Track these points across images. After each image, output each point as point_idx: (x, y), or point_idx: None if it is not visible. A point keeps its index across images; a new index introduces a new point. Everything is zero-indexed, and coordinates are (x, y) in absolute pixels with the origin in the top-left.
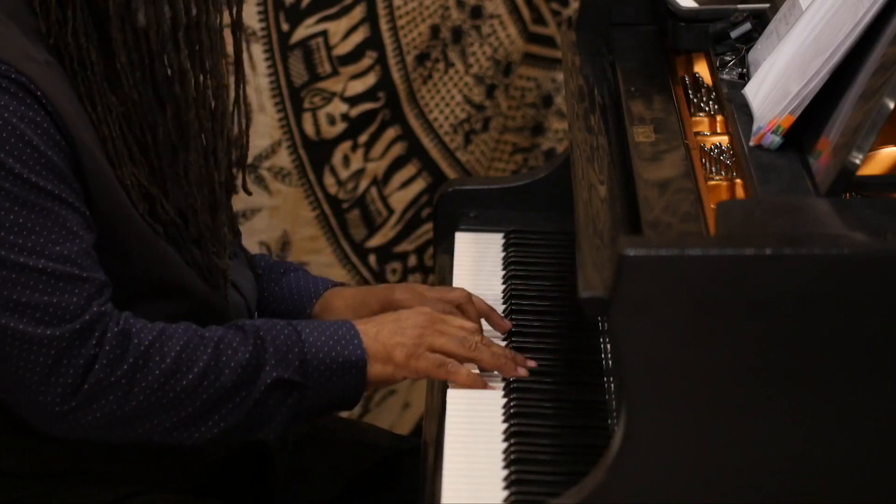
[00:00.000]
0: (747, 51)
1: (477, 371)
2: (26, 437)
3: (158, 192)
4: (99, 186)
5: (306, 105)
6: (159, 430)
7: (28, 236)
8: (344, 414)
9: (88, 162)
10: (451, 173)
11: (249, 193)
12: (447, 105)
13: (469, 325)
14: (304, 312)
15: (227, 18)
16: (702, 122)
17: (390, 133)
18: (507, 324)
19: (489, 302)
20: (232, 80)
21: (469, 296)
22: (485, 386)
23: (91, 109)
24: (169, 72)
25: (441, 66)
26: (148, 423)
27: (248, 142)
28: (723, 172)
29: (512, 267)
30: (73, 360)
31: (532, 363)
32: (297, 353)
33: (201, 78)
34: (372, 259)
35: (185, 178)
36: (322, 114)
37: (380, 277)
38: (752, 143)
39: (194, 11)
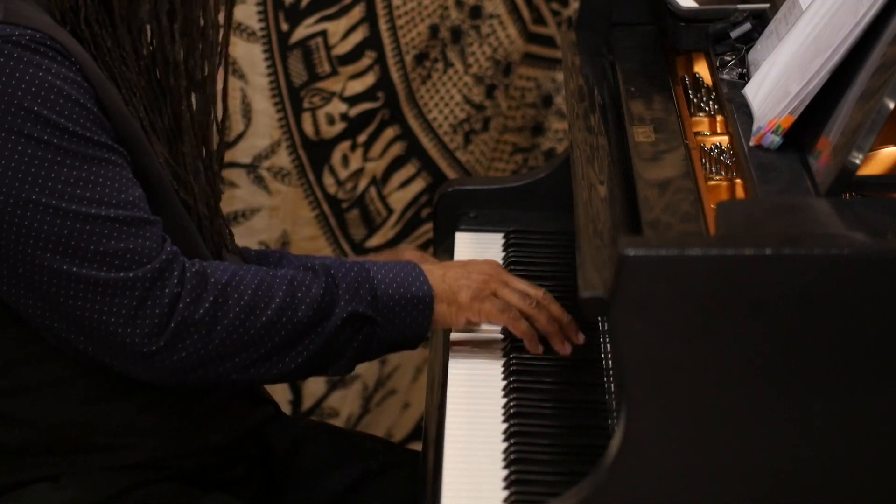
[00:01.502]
0: (747, 51)
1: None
2: (35, 405)
3: (182, 171)
4: (133, 156)
5: (306, 105)
6: (239, 368)
7: (94, 188)
8: (343, 415)
9: (124, 132)
10: (450, 173)
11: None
12: (446, 105)
13: (534, 290)
14: None
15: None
16: (702, 122)
17: (389, 133)
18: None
19: None
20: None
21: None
22: (537, 347)
23: (117, 91)
24: (165, 63)
25: (440, 65)
26: (229, 362)
27: (222, 131)
28: (723, 172)
29: (512, 267)
30: (157, 299)
31: (580, 339)
32: (368, 288)
33: (194, 70)
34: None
35: (183, 167)
36: (321, 114)
37: None
38: (752, 143)
39: (190, 5)
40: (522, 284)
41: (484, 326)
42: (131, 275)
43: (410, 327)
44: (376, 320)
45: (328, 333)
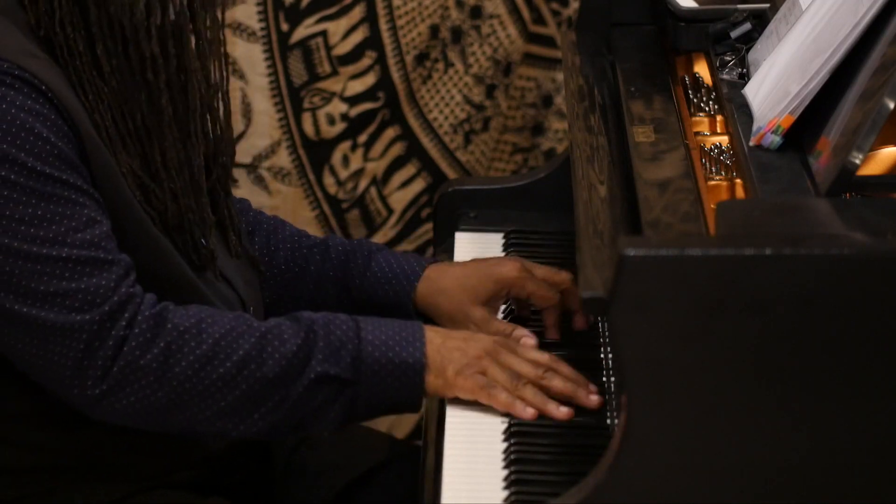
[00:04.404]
0: (747, 51)
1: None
2: (30, 430)
3: (150, 180)
4: (102, 175)
5: (306, 105)
6: (200, 420)
7: (49, 227)
8: None
9: (92, 151)
10: (451, 173)
11: (234, 181)
12: (447, 105)
13: (543, 359)
14: (407, 295)
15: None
16: (702, 122)
17: (390, 133)
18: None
19: None
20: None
21: (572, 281)
22: (523, 411)
23: (84, 98)
24: (141, 58)
25: (440, 65)
26: (187, 412)
27: (229, 132)
28: (723, 172)
29: None
30: (104, 342)
31: (569, 411)
32: (352, 349)
33: (173, 65)
34: None
35: (163, 164)
36: (322, 114)
37: None
38: (752, 143)
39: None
40: (520, 365)
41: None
42: (78, 318)
43: (399, 393)
44: (357, 383)
45: (298, 393)
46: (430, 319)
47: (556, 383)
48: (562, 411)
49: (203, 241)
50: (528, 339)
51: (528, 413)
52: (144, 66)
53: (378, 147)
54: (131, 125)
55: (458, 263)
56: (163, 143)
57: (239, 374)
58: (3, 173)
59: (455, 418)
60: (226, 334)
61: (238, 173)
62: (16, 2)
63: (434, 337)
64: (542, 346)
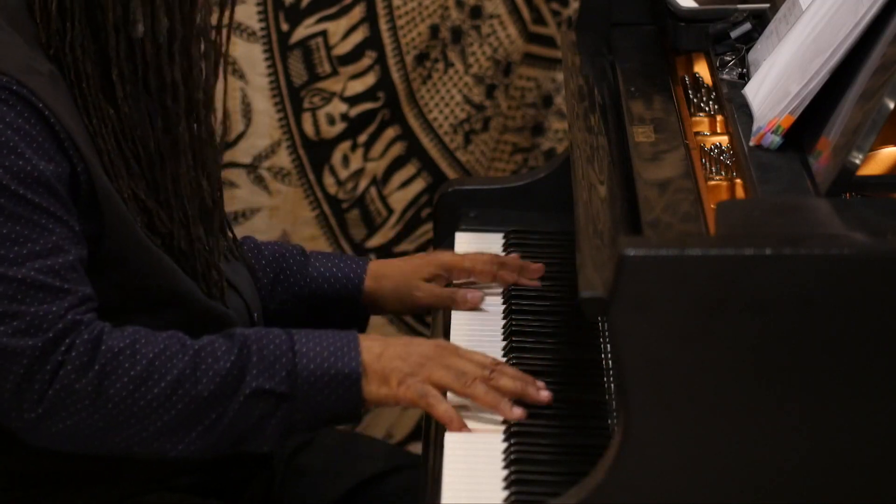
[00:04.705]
0: (747, 51)
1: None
2: (14, 438)
3: (155, 204)
4: (103, 195)
5: (306, 105)
6: (137, 441)
7: (11, 247)
8: None
9: (94, 171)
10: (451, 173)
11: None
12: (447, 105)
13: (486, 360)
14: (359, 288)
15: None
16: (702, 122)
17: (390, 133)
18: (537, 268)
19: (489, 302)
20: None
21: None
22: (460, 427)
23: (88, 121)
24: (161, 84)
25: (440, 65)
26: (123, 433)
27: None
28: (723, 172)
29: None
30: (42, 367)
31: (522, 412)
32: (286, 363)
33: (193, 90)
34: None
35: (174, 190)
36: (322, 114)
37: None
38: (752, 143)
39: (190, 22)
40: (467, 363)
41: (483, 325)
42: (21, 343)
43: (337, 404)
44: (294, 396)
45: (234, 409)
46: (375, 311)
47: (505, 382)
48: (515, 412)
49: (215, 270)
50: (474, 294)
51: (460, 425)
52: (164, 92)
53: (378, 147)
54: (141, 151)
55: (400, 259)
56: (176, 170)
57: (174, 393)
58: None
59: None
60: (159, 354)
61: (238, 173)
62: (27, 13)
63: (373, 346)
64: (541, 348)
